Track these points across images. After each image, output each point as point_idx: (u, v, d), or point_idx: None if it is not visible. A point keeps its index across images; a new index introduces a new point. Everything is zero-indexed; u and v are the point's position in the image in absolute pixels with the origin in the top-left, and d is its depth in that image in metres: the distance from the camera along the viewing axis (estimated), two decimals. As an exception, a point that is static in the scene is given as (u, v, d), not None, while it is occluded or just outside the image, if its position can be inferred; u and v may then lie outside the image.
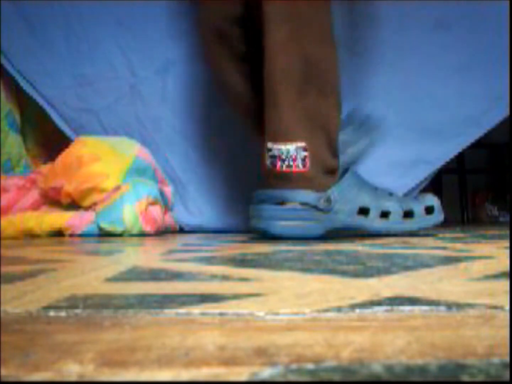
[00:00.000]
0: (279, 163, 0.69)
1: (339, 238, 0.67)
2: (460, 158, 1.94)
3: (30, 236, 0.91)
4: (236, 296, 0.20)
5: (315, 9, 0.70)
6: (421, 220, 0.73)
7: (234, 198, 1.06)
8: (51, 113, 1.11)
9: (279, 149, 0.69)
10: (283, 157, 0.69)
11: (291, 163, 0.69)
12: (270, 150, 0.70)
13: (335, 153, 0.73)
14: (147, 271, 0.31)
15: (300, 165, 0.69)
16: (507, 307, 0.17)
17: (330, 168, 0.72)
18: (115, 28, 1.12)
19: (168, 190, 1.05)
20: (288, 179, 0.69)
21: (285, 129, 0.69)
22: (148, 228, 0.92)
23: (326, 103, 0.72)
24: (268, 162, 0.71)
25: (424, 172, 1.04)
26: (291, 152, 0.69)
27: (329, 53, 0.72)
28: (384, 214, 0.72)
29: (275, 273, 0.29)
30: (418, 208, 0.74)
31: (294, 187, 0.69)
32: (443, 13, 1.04)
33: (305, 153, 0.69)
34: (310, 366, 0.11)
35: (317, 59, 0.70)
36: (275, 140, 0.69)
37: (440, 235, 0.72)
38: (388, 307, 0.18)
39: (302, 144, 0.69)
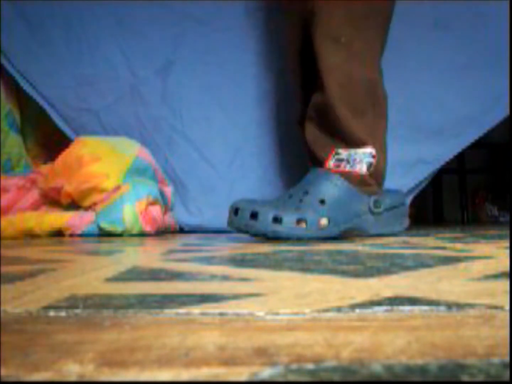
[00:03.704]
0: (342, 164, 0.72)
1: (339, 238, 0.67)
2: (460, 158, 1.94)
3: (30, 236, 0.91)
4: (236, 296, 0.20)
5: (368, 38, 0.74)
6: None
7: (234, 198, 1.06)
8: (51, 113, 1.11)
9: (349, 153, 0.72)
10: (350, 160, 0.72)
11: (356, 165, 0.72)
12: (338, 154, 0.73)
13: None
14: (147, 271, 0.31)
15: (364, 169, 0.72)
16: (507, 307, 0.17)
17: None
18: (115, 28, 1.12)
19: (168, 190, 1.05)
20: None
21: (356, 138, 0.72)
22: (148, 228, 0.92)
23: (380, 125, 0.76)
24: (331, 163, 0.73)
25: (424, 172, 1.04)
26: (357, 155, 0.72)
27: (379, 78, 0.76)
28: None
29: (275, 273, 0.29)
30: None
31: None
32: (442, 13, 1.04)
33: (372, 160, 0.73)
34: (310, 366, 0.11)
35: (372, 83, 0.74)
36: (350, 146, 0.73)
37: (440, 235, 0.72)
38: (388, 307, 0.18)
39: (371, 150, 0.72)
